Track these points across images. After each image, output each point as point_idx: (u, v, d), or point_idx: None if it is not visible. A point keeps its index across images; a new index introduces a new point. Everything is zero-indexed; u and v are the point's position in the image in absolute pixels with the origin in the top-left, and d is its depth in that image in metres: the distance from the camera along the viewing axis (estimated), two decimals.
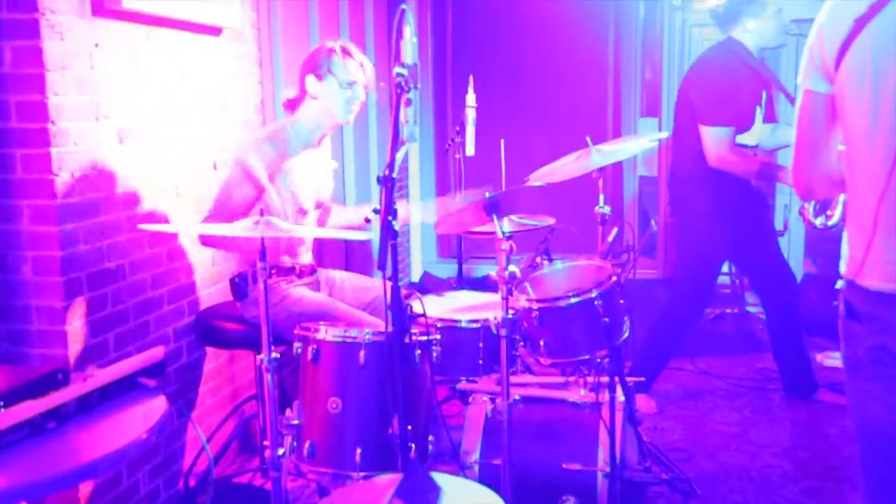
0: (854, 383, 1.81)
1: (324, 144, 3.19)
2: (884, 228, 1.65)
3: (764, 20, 3.66)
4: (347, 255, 4.43)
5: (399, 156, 2.21)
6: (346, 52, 3.02)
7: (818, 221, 3.63)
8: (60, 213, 2.48)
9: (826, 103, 1.75)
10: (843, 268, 1.78)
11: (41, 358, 2.52)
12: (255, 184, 2.88)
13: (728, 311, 5.44)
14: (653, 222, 5.92)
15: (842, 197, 3.51)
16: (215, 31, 3.26)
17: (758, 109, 3.70)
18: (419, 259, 6.03)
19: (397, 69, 2.16)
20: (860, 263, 1.70)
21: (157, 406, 1.96)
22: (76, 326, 2.56)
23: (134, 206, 2.81)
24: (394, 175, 2.15)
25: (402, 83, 2.16)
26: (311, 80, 3.00)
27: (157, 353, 2.14)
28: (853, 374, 1.80)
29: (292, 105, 3.10)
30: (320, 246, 3.85)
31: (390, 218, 2.12)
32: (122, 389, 2.00)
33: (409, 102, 2.18)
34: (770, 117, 3.82)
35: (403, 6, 2.17)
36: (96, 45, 2.59)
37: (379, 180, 2.15)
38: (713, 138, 3.63)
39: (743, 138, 3.70)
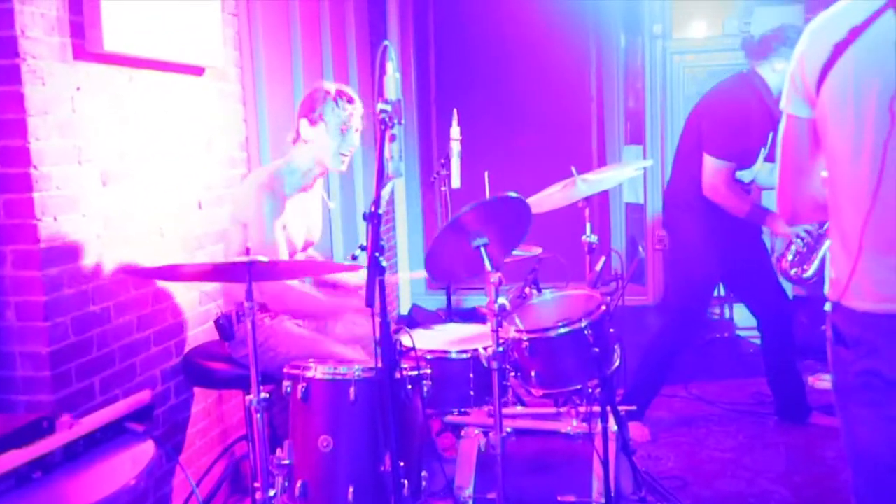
0: (844, 409, 1.80)
1: (315, 185, 3.19)
2: (870, 249, 1.66)
3: None
4: (337, 289, 4.41)
5: (385, 192, 2.21)
6: (340, 95, 3.00)
7: (793, 272, 3.64)
8: (44, 257, 2.46)
9: (809, 128, 1.77)
10: (827, 290, 1.78)
11: (26, 405, 2.49)
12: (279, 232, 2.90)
13: (718, 335, 5.44)
14: (640, 249, 5.94)
15: (821, 253, 3.54)
16: (198, 70, 3.27)
17: (762, 150, 3.73)
18: (408, 292, 6.02)
19: (381, 105, 2.16)
20: (846, 285, 1.70)
21: (145, 451, 1.94)
22: (62, 372, 2.53)
23: (118, 248, 2.79)
24: (380, 211, 2.15)
25: (386, 119, 2.16)
26: (304, 123, 2.99)
27: (144, 396, 2.12)
28: (843, 400, 1.80)
29: (294, 144, 3.11)
30: None
31: (377, 254, 2.12)
32: (109, 435, 1.98)
33: (393, 138, 2.19)
34: (772, 157, 3.83)
35: (386, 42, 2.19)
36: (78, 89, 2.59)
37: (365, 217, 2.15)
38: (713, 168, 3.65)
39: (740, 174, 3.73)
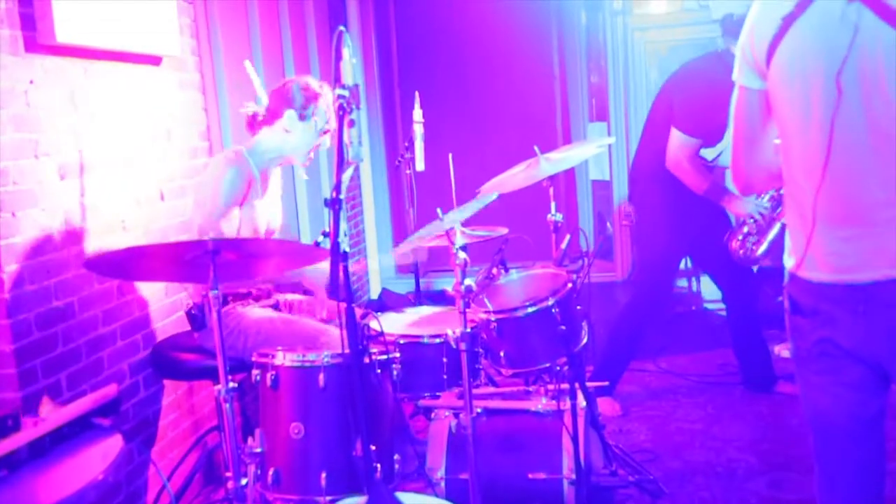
0: (803, 376, 1.85)
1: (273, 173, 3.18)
2: (822, 221, 1.69)
3: None
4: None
5: (345, 177, 2.21)
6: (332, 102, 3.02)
7: (741, 252, 3.64)
8: (3, 254, 2.42)
9: (760, 99, 1.79)
10: (786, 261, 1.81)
11: None
12: (232, 206, 2.88)
13: (687, 308, 5.50)
14: (608, 225, 5.97)
15: (770, 236, 3.57)
16: (155, 60, 3.23)
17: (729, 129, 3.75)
18: (377, 276, 6.01)
19: (338, 90, 2.15)
20: (802, 256, 1.73)
21: (112, 445, 1.93)
22: (27, 369, 2.50)
23: (80, 243, 2.76)
24: (341, 196, 2.15)
25: (345, 104, 2.15)
26: (291, 115, 2.98)
27: (110, 391, 2.11)
28: (801, 368, 1.84)
29: (253, 122, 3.07)
30: None
31: (340, 240, 2.12)
32: (75, 431, 1.97)
33: (352, 123, 2.18)
34: None
35: (341, 27, 2.17)
36: (31, 82, 2.55)
37: (326, 203, 2.14)
38: (678, 143, 3.68)
39: (704, 151, 3.75)
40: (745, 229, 3.66)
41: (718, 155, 3.84)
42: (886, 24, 1.56)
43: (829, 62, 1.62)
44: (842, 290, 1.68)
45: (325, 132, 3.05)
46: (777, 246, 3.71)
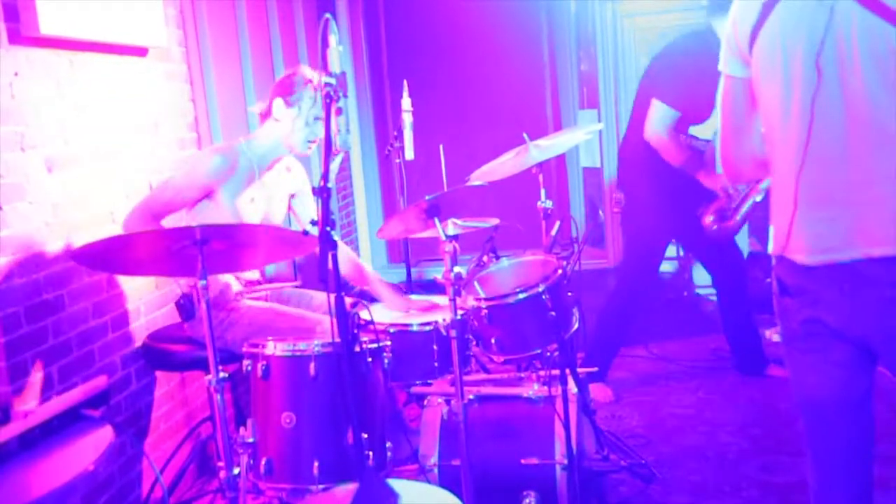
0: (792, 357, 1.87)
1: (286, 170, 3.17)
2: (804, 203, 1.70)
3: None
4: (296, 269, 4.40)
5: (333, 166, 2.20)
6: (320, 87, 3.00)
7: (714, 228, 3.61)
8: None
9: (745, 87, 1.81)
10: (771, 246, 1.83)
11: None
12: (198, 189, 2.87)
13: (679, 294, 5.51)
14: (600, 212, 5.98)
15: (744, 210, 3.56)
16: (141, 51, 3.21)
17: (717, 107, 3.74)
18: (370, 265, 6.00)
19: (325, 79, 2.14)
20: (785, 239, 1.75)
21: (103, 436, 1.93)
22: (17, 362, 2.50)
23: (68, 235, 2.75)
24: (329, 185, 2.14)
25: (332, 92, 2.14)
26: (279, 103, 2.98)
27: (100, 382, 2.10)
28: (790, 348, 1.86)
29: (262, 120, 3.10)
30: None
31: (328, 228, 2.11)
32: (65, 423, 1.97)
33: (339, 112, 2.17)
34: None
35: (327, 15, 2.16)
36: (16, 74, 2.54)
37: (314, 191, 2.14)
38: (658, 114, 3.68)
39: (697, 130, 3.74)
40: (717, 204, 3.64)
41: (711, 140, 3.84)
42: (862, 7, 1.57)
43: (809, 44, 1.64)
44: (826, 270, 1.69)
45: (317, 119, 3.02)
46: (754, 226, 3.69)
